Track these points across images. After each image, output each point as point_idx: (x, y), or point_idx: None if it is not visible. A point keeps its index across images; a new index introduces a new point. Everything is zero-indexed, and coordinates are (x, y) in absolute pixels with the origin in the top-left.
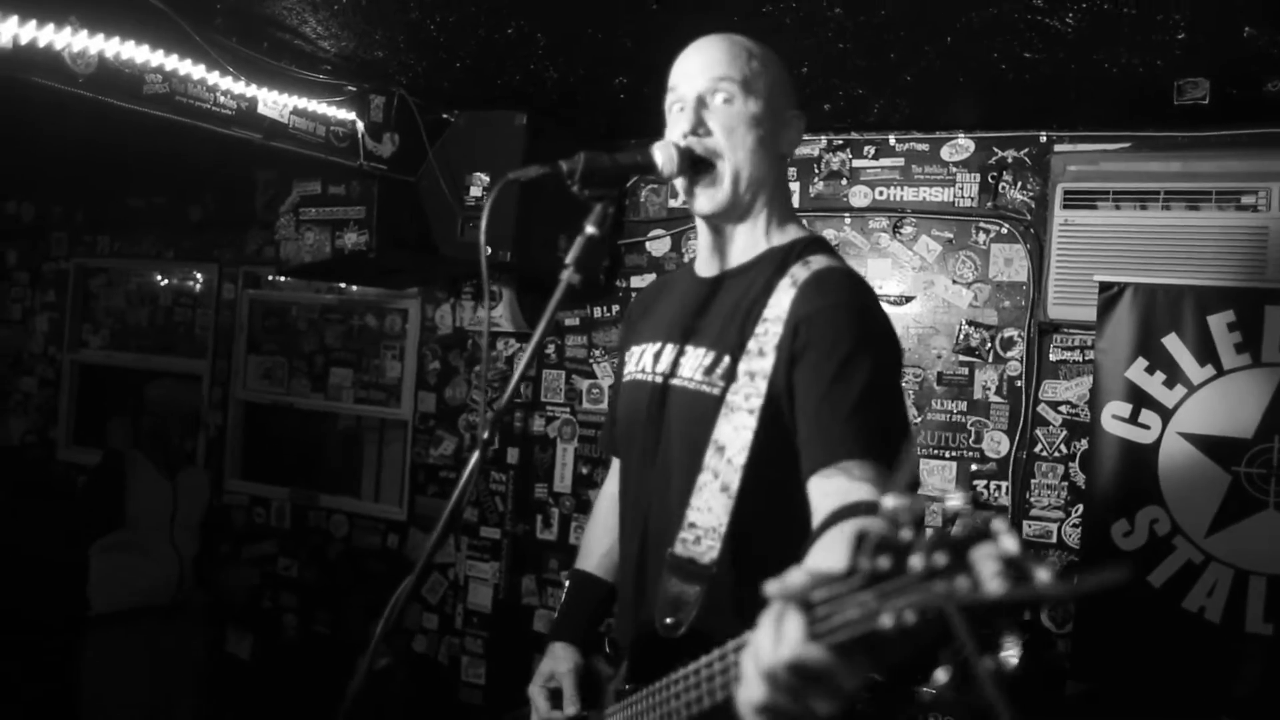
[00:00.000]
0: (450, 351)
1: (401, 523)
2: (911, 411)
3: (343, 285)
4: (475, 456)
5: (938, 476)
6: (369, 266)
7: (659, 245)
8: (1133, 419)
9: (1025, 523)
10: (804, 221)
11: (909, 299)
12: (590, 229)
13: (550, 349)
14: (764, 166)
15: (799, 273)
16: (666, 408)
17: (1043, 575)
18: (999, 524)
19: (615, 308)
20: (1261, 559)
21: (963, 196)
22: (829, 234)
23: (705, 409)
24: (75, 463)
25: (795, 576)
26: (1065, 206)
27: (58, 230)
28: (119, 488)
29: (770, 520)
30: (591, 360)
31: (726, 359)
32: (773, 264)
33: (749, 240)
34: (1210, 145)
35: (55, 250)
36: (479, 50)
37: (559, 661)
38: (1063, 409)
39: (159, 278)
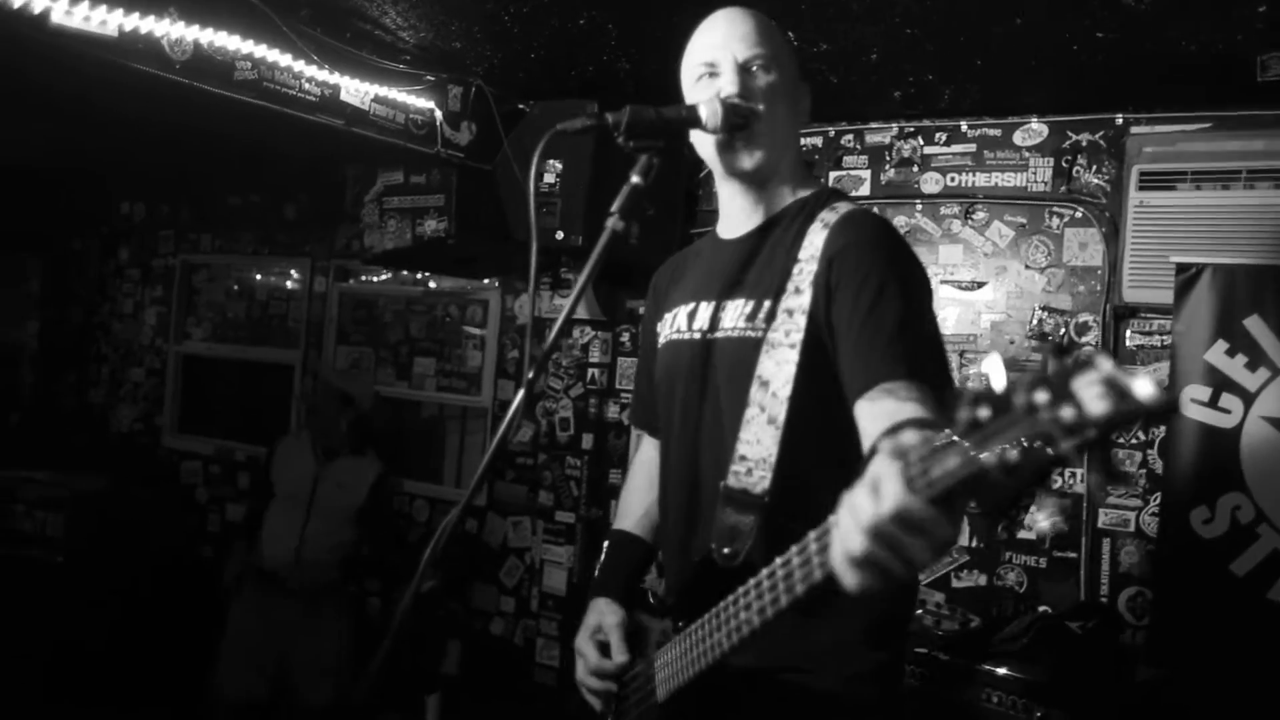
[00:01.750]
0: (533, 343)
1: (481, 508)
2: None
3: (424, 276)
4: (520, 394)
5: None
6: (448, 254)
7: None
8: (1213, 403)
9: (1101, 512)
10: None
11: (981, 285)
12: (635, 178)
13: (625, 336)
14: (791, 134)
15: (828, 216)
16: (711, 361)
17: (1143, 388)
18: (1091, 352)
19: None
20: None
21: (1035, 181)
22: (900, 220)
23: (748, 352)
24: (179, 449)
25: (905, 436)
26: (1141, 188)
27: (165, 229)
28: (267, 462)
29: (816, 448)
30: None
31: (767, 303)
32: (800, 214)
33: (778, 198)
34: None
35: (163, 248)
36: (552, 41)
37: (605, 615)
38: None
39: (255, 274)
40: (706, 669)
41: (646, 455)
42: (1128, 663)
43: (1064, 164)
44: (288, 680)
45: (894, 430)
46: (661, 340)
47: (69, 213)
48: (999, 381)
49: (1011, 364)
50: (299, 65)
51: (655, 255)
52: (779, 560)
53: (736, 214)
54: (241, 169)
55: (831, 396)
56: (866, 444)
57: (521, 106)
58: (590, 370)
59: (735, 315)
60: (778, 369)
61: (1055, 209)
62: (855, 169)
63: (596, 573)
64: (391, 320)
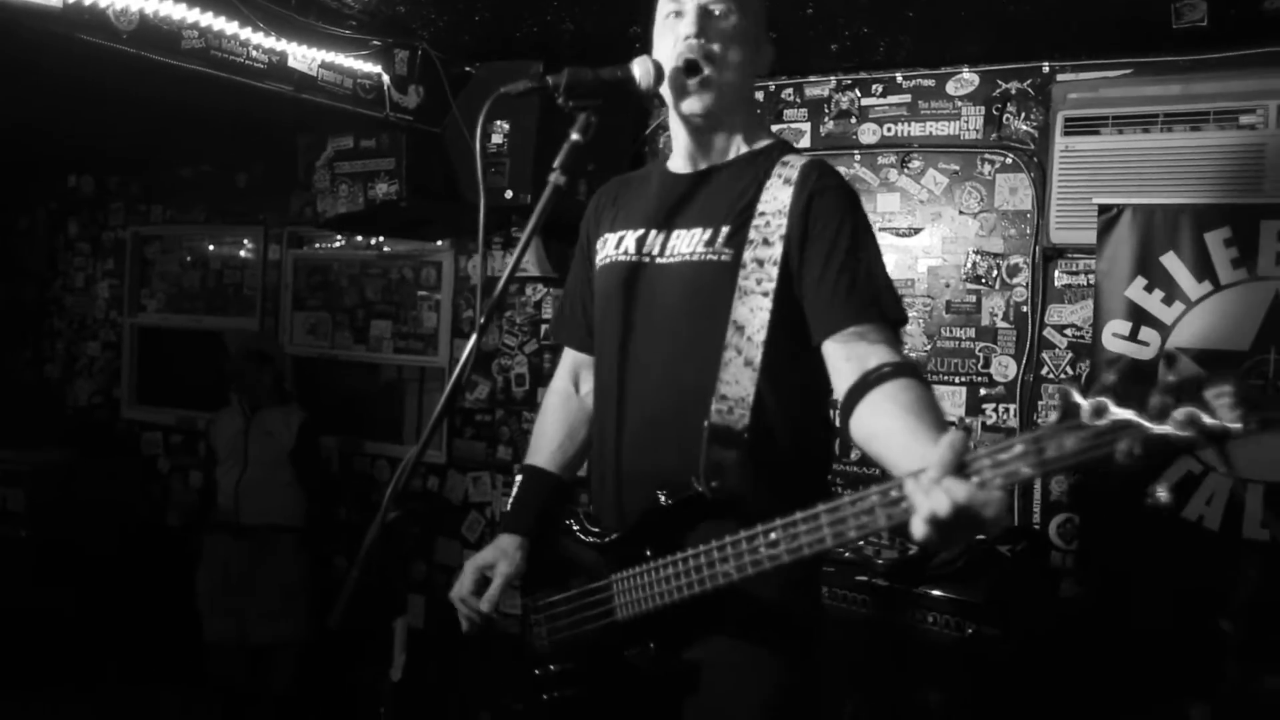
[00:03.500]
0: (483, 299)
1: (442, 465)
2: (922, 339)
3: (377, 240)
4: (468, 346)
5: (948, 402)
6: (400, 216)
7: None
8: (1132, 336)
9: None
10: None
11: (917, 231)
12: (575, 135)
13: None
14: (745, 81)
15: (787, 172)
16: (661, 282)
17: (1272, 405)
18: (1218, 376)
19: None
20: (1258, 466)
21: (968, 129)
22: (840, 171)
23: (713, 275)
24: (139, 420)
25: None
26: (1066, 133)
27: (115, 200)
28: (207, 433)
29: (786, 387)
30: None
31: (725, 229)
32: (755, 164)
33: (727, 143)
34: (1209, 67)
35: (113, 220)
36: (496, 3)
37: (505, 558)
38: (1068, 332)
39: (209, 244)
40: (688, 599)
41: (560, 384)
42: (1054, 581)
43: (994, 112)
44: (246, 618)
45: (873, 377)
46: (602, 260)
47: (15, 188)
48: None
49: (949, 306)
50: (246, 33)
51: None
52: (824, 507)
53: (684, 152)
54: (192, 139)
55: (798, 340)
56: (838, 379)
57: (468, 69)
58: (543, 326)
59: (692, 241)
60: (752, 315)
61: (987, 156)
62: (795, 122)
63: (508, 506)
64: (347, 285)
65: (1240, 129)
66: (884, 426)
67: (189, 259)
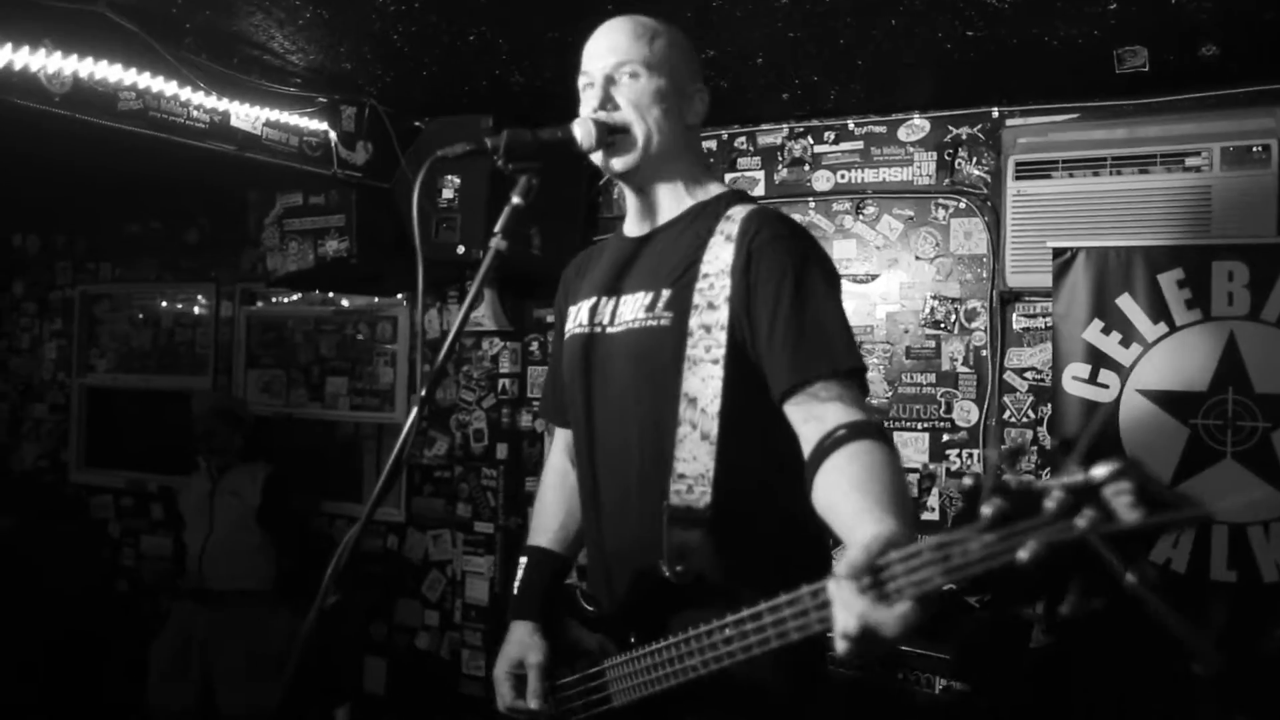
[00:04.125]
0: (439, 354)
1: (400, 524)
2: (883, 386)
3: (333, 296)
4: (414, 411)
5: (911, 448)
6: (351, 273)
7: None
8: (1092, 379)
9: None
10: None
11: (874, 277)
12: (515, 199)
13: (534, 345)
14: (672, 134)
15: (728, 227)
16: (611, 352)
17: (1174, 502)
18: (1122, 467)
19: None
20: (1221, 508)
21: (921, 175)
22: (795, 218)
23: (656, 341)
24: (88, 484)
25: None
26: (1018, 178)
27: (62, 259)
28: (174, 500)
29: (750, 458)
30: None
31: (667, 291)
32: (699, 217)
33: (672, 199)
34: (1153, 111)
35: (60, 279)
36: (443, 58)
37: (527, 650)
38: (1028, 375)
39: (159, 301)
40: (676, 687)
41: (557, 461)
42: (1024, 630)
43: (946, 157)
44: (211, 688)
45: (826, 445)
46: (567, 334)
47: None
48: (1022, 481)
49: (908, 352)
50: (185, 93)
51: (558, 264)
52: (765, 605)
53: (633, 214)
54: (139, 196)
55: (758, 405)
56: (803, 444)
57: (417, 124)
58: (501, 381)
59: (634, 307)
60: (704, 385)
61: (940, 201)
62: (749, 170)
63: (515, 591)
64: (301, 341)
65: (1186, 171)
66: (834, 503)
67: (139, 317)
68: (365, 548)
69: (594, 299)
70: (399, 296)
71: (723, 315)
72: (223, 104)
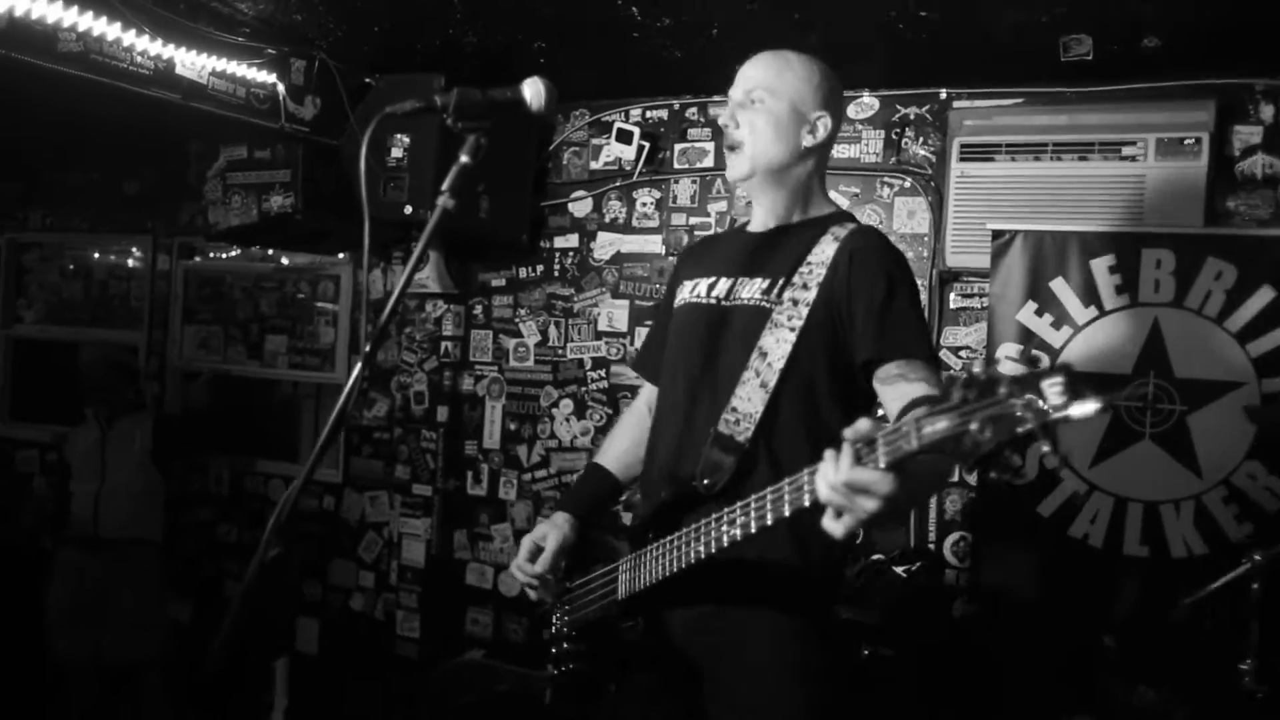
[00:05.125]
0: (382, 314)
1: (338, 485)
2: None
3: (273, 253)
4: (356, 369)
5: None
6: (296, 229)
7: (581, 206)
8: (1024, 359)
9: None
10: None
11: None
12: (464, 158)
13: (478, 309)
14: (782, 155)
15: (838, 231)
16: (725, 323)
17: (1089, 394)
18: (1057, 367)
19: (540, 268)
20: (1138, 486)
21: (868, 152)
22: (742, 191)
23: (759, 319)
24: (13, 438)
25: (860, 423)
26: (962, 159)
27: None
28: (60, 450)
29: (794, 414)
30: (517, 320)
31: (782, 280)
32: (814, 227)
33: (788, 207)
34: (1095, 99)
35: None
36: (396, 14)
37: (556, 529)
38: (963, 354)
39: (93, 252)
40: (679, 572)
41: (639, 404)
42: (948, 600)
43: (894, 136)
44: (101, 636)
45: (911, 405)
46: (680, 302)
47: None
48: (990, 371)
49: None
50: (129, 37)
51: (505, 228)
52: (770, 489)
53: (758, 213)
54: (75, 144)
55: (815, 377)
56: (891, 405)
57: (368, 80)
58: (444, 343)
59: (753, 290)
60: (776, 344)
61: (886, 179)
62: (699, 141)
63: (568, 490)
64: (241, 298)
65: (1123, 160)
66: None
67: (71, 268)
68: (302, 507)
69: (714, 278)
70: (342, 255)
71: (811, 295)
72: (168, 50)
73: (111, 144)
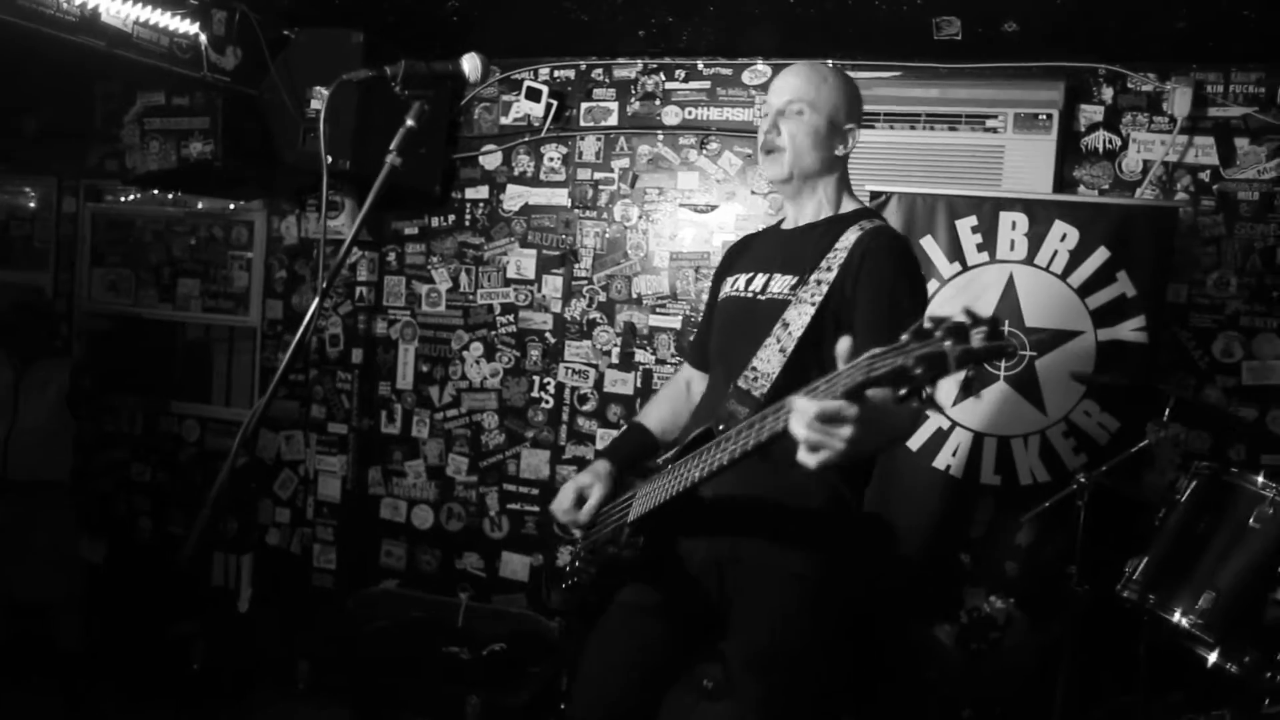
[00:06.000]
0: (296, 260)
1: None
2: None
3: (184, 196)
4: (315, 302)
5: None
6: (215, 176)
7: (491, 159)
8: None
9: None
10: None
11: (714, 208)
12: (410, 122)
13: (391, 256)
14: (817, 161)
15: (864, 224)
16: (757, 312)
17: (1004, 339)
18: (984, 318)
19: (451, 218)
20: (993, 423)
21: (760, 116)
22: (644, 149)
23: (787, 305)
24: None
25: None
26: None
27: None
28: None
29: (806, 375)
30: (429, 267)
31: (807, 272)
32: (841, 223)
33: (818, 206)
34: (963, 76)
35: None
36: None
37: (600, 482)
38: None
39: None
40: (677, 495)
41: (680, 377)
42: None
43: None
44: (15, 574)
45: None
46: (724, 295)
47: None
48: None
49: None
50: None
51: (417, 178)
52: (754, 418)
53: (791, 211)
54: None
55: (828, 345)
56: None
57: (287, 33)
58: (358, 288)
59: (781, 285)
60: (797, 316)
61: None
62: (604, 101)
63: (612, 442)
64: (151, 241)
65: (986, 131)
66: None
67: None
68: (216, 447)
69: (751, 273)
70: (256, 202)
71: (831, 276)
72: None
73: (7, 82)
